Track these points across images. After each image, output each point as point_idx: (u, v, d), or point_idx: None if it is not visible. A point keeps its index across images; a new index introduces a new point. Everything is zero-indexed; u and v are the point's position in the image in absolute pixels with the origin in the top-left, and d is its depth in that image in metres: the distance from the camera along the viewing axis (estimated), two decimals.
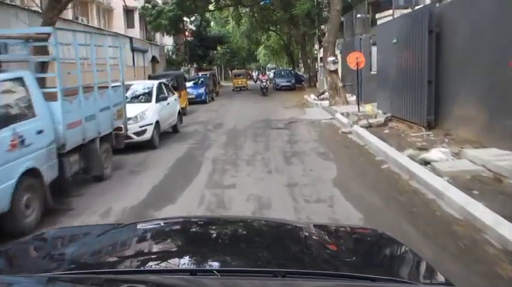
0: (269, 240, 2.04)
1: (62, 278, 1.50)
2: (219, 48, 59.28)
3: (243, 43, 47.30)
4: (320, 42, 34.45)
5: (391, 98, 13.43)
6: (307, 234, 2.03)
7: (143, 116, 10.23)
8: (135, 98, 11.16)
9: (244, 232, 2.17)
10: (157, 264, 1.70)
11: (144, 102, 10.92)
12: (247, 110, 20.18)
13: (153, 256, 1.82)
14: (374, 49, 17.34)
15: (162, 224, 2.37)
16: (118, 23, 30.35)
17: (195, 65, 47.47)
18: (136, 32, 31.73)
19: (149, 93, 11.29)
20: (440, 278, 1.68)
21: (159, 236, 2.12)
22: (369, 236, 2.28)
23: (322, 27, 31.15)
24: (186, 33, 48.67)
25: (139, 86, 11.86)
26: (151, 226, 2.32)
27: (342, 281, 1.52)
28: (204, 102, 24.14)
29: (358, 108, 15.18)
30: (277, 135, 12.19)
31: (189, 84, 24.96)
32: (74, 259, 1.75)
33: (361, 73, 17.69)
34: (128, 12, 32.19)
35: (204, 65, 49.19)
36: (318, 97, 21.88)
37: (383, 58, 14.54)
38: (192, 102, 23.47)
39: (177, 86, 17.85)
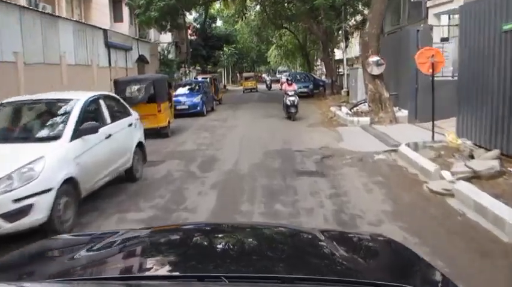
0: (277, 246, 2.03)
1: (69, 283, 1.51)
2: (225, 49, 53.93)
3: (252, 42, 41.70)
4: (347, 39, 28.81)
5: (499, 122, 7.79)
6: (314, 240, 2.02)
7: (28, 174, 4.66)
8: (25, 132, 5.61)
9: (252, 238, 2.13)
10: (164, 270, 1.65)
11: (43, 140, 5.32)
12: (256, 128, 14.55)
13: (160, 262, 1.75)
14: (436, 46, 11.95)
15: (169, 230, 2.40)
16: (101, 16, 24.98)
17: (197, 67, 42.03)
18: (125, 27, 26.31)
19: (62, 121, 5.64)
20: (449, 283, 1.66)
21: (166, 242, 2.07)
22: (377, 242, 2.19)
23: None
24: (189, 32, 43.38)
25: (44, 105, 6.13)
26: (158, 233, 2.27)
27: None
28: (200, 114, 18.56)
29: (433, 135, 9.48)
30: (311, 196, 6.53)
31: (181, 91, 19.41)
32: (81, 265, 1.74)
33: (417, 78, 12.20)
34: (115, 3, 26.79)
35: (209, 67, 43.72)
36: (350, 110, 16.19)
37: (475, 55, 8.84)
38: (184, 114, 17.91)
39: (155, 95, 12.30)
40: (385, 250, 2.09)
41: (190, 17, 44.49)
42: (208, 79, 24.54)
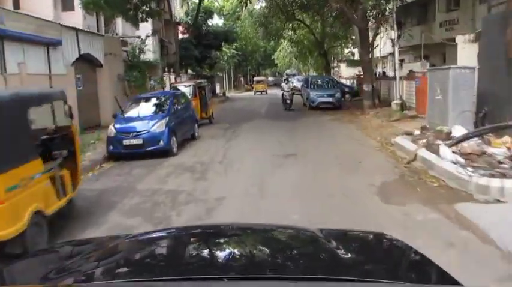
0: (280, 246, 2.03)
1: None
2: (225, 49, 45.88)
3: (256, 36, 33.62)
4: (400, 24, 20.55)
5: None
6: (316, 239, 2.02)
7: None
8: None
9: (255, 239, 2.13)
10: (168, 272, 1.65)
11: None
12: (284, 202, 6.44)
13: (163, 265, 1.78)
14: None
15: (172, 232, 2.40)
16: (40, 2, 17.12)
17: (191, 71, 34.02)
18: (77, 18, 18.36)
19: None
20: (450, 279, 1.63)
21: (169, 244, 2.09)
22: (378, 240, 2.22)
23: None
24: (180, 29, 35.36)
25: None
26: (161, 235, 2.33)
27: (352, 285, 1.49)
28: (165, 153, 10.32)
29: None
30: None
31: (134, 112, 11.20)
32: (88, 268, 1.75)
33: None
34: None
35: (206, 70, 35.67)
36: (454, 149, 7.93)
37: None
38: (136, 155, 9.88)
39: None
40: (386, 248, 2.08)
41: (182, 11, 36.56)
42: (190, 87, 16.46)
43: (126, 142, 9.93)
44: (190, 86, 16.67)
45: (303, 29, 29.87)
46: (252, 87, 47.47)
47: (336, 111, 19.56)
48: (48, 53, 12.11)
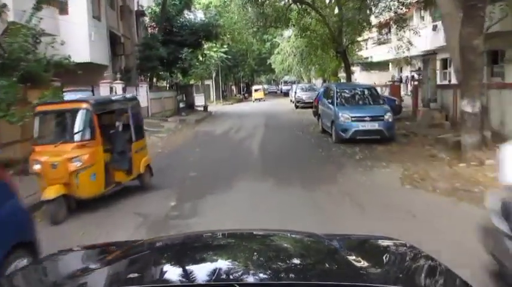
0: (289, 252, 2.00)
1: None
2: (213, 52, 36.64)
3: (247, 28, 24.39)
4: None
5: None
6: (327, 246, 1.99)
7: None
8: None
9: (263, 245, 2.10)
10: (175, 278, 1.67)
11: None
12: None
13: (171, 271, 1.76)
14: None
15: (180, 239, 2.38)
16: None
17: (148, 80, 24.82)
18: None
19: None
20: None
21: (176, 251, 2.05)
22: (393, 246, 2.11)
23: None
24: (147, 20, 26.18)
25: None
26: (169, 242, 2.30)
27: None
28: None
29: None
30: None
31: None
32: (94, 276, 1.73)
33: None
34: None
35: (181, 77, 26.40)
36: None
37: None
38: None
39: None
40: (400, 254, 2.01)
41: None
42: (76, 114, 6.82)
43: None
44: (73, 111, 6.86)
45: (312, 18, 20.70)
46: (245, 98, 46.71)
47: (390, 149, 10.41)
48: None
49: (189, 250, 2.03)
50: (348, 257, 1.78)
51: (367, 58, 34.43)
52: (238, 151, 11.73)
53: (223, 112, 28.70)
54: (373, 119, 11.34)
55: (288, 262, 1.82)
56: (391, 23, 26.42)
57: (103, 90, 15.56)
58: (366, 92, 12.87)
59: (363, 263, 1.75)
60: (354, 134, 11.33)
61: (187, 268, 1.73)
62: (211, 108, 33.47)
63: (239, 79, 58.71)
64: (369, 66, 36.62)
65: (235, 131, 16.52)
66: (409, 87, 26.47)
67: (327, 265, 1.80)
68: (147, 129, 17.65)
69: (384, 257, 1.96)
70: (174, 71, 23.62)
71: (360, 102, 12.43)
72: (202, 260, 1.82)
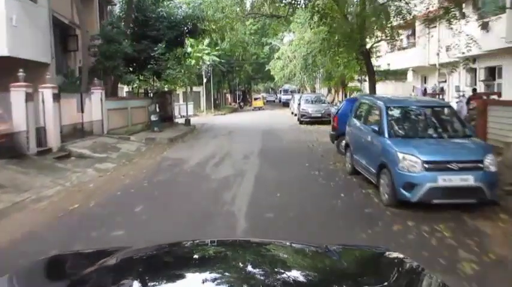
0: (290, 263, 1.93)
1: None
2: (205, 56, 31.57)
3: (239, 14, 18.93)
4: None
5: None
6: (325, 256, 1.96)
7: None
8: None
9: (262, 255, 2.01)
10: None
11: None
12: None
13: (168, 280, 1.67)
14: None
15: (180, 246, 2.20)
16: None
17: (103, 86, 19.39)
18: None
19: None
20: None
21: (174, 259, 1.97)
22: (383, 257, 2.11)
23: None
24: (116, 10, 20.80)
25: None
26: (171, 249, 2.15)
27: None
28: None
29: None
30: None
31: None
32: (87, 283, 1.67)
33: None
34: None
35: (155, 82, 21.01)
36: None
37: None
38: None
39: None
40: (391, 265, 1.99)
41: None
42: None
43: None
44: None
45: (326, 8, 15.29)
46: (241, 107, 45.83)
47: (502, 227, 5.02)
48: None
49: (184, 258, 1.97)
50: (346, 268, 1.76)
51: (379, 66, 29.08)
52: (208, 218, 6.22)
53: (211, 126, 23.21)
54: (464, 167, 5.90)
55: (280, 273, 1.73)
56: (416, 22, 21.28)
57: (15, 99, 10.06)
58: (438, 113, 7.39)
59: (361, 276, 1.71)
60: (429, 195, 5.90)
61: (182, 277, 1.67)
62: (198, 120, 28.04)
63: (235, 87, 53.36)
64: (384, 75, 31.38)
65: (216, 163, 11.01)
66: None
67: (325, 276, 1.73)
68: (92, 155, 12.20)
69: (377, 269, 1.90)
70: (144, 73, 18.15)
71: (431, 132, 6.95)
72: (200, 270, 1.77)
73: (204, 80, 36.25)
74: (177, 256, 2.00)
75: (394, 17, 14.37)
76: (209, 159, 11.62)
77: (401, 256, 2.01)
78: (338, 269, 1.79)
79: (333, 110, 24.92)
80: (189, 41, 23.17)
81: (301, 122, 22.57)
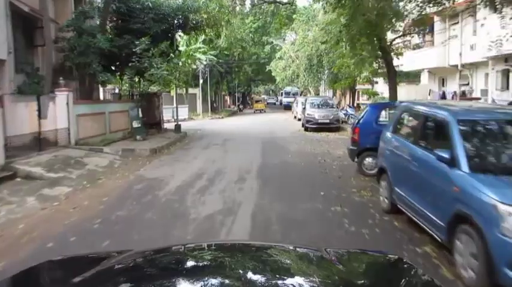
0: (289, 267, 1.89)
1: None
2: (199, 54, 29.23)
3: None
4: None
5: None
6: (327, 260, 1.90)
7: None
8: None
9: (260, 259, 1.96)
10: None
11: None
12: None
13: (165, 284, 1.60)
14: None
15: (174, 251, 2.16)
16: None
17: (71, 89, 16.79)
18: None
19: None
20: None
21: (171, 264, 1.92)
22: (384, 261, 2.07)
23: None
24: None
25: None
26: (171, 252, 2.11)
27: None
28: None
29: None
30: None
31: None
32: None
33: None
34: None
35: (140, 85, 18.40)
36: None
37: None
38: None
39: None
40: (396, 270, 1.93)
41: None
42: None
43: None
44: None
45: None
46: (240, 110, 45.49)
47: None
48: None
49: (180, 262, 1.93)
50: (344, 271, 1.73)
51: (396, 66, 26.46)
52: None
53: (206, 132, 20.62)
54: None
55: (279, 278, 1.66)
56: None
57: None
58: None
59: (361, 280, 1.69)
60: None
61: (179, 281, 1.63)
62: (193, 124, 25.45)
63: (234, 89, 50.80)
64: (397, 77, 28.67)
65: (202, 189, 8.36)
66: None
67: (328, 280, 1.66)
68: (44, 175, 9.50)
69: (376, 272, 1.87)
70: (126, 72, 15.52)
71: None
72: (195, 273, 1.73)
73: (201, 81, 33.69)
74: (177, 259, 1.98)
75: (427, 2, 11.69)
76: (194, 181, 8.99)
77: (402, 259, 2.00)
78: (338, 273, 1.73)
79: (341, 115, 22.38)
80: (182, 39, 20.60)
81: (306, 129, 19.96)
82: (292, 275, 1.71)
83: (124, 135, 15.67)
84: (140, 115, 15.20)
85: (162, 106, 19.42)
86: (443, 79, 23.72)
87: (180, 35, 19.45)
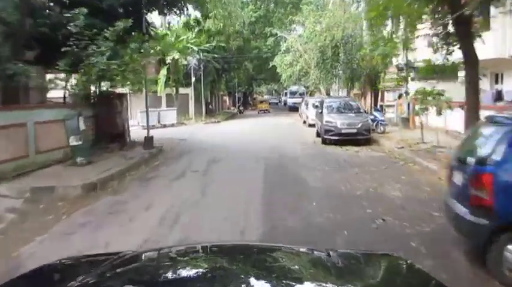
0: (290, 268, 1.85)
1: None
2: (190, 44, 24.25)
3: None
4: None
5: None
6: (331, 261, 1.85)
7: None
8: None
9: (262, 260, 1.92)
10: None
11: None
12: None
13: (167, 284, 1.64)
14: None
15: (176, 252, 2.15)
16: None
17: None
18: None
19: None
20: None
21: (173, 264, 1.91)
22: (387, 261, 2.01)
23: None
24: None
25: None
26: (172, 253, 2.10)
27: None
28: None
29: None
30: None
31: None
32: None
33: None
34: None
35: (98, 84, 12.95)
36: None
37: None
38: None
39: None
40: (398, 272, 1.91)
41: None
42: None
43: None
44: None
45: None
46: (241, 112, 43.02)
47: None
48: None
49: (182, 263, 1.90)
50: (346, 272, 1.72)
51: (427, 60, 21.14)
52: None
53: (191, 145, 15.45)
54: None
55: (279, 279, 1.63)
56: None
57: None
58: None
59: (363, 280, 1.66)
60: None
61: (182, 282, 1.63)
62: (180, 131, 20.23)
63: (234, 88, 45.70)
64: (425, 71, 23.38)
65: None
66: None
67: (325, 281, 1.63)
68: None
69: (383, 274, 1.82)
70: (58, 63, 10.30)
71: None
72: (196, 274, 1.73)
73: (193, 79, 28.56)
74: (178, 260, 1.95)
75: None
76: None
77: (404, 259, 1.97)
78: (340, 274, 1.71)
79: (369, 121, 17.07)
80: (165, 25, 15.37)
81: (324, 141, 14.75)
82: (294, 277, 1.67)
83: (64, 156, 10.55)
84: (82, 127, 10.04)
85: (128, 111, 14.18)
86: (496, 75, 18.42)
87: (152, 15, 14.20)
